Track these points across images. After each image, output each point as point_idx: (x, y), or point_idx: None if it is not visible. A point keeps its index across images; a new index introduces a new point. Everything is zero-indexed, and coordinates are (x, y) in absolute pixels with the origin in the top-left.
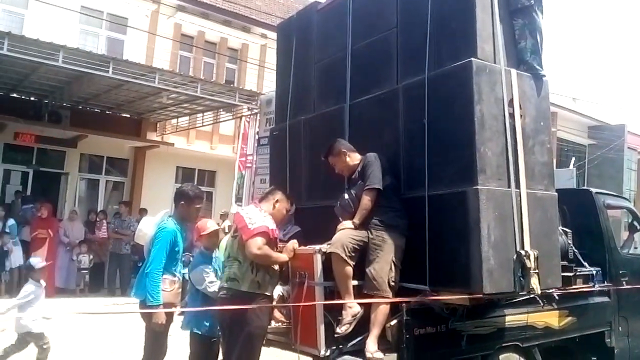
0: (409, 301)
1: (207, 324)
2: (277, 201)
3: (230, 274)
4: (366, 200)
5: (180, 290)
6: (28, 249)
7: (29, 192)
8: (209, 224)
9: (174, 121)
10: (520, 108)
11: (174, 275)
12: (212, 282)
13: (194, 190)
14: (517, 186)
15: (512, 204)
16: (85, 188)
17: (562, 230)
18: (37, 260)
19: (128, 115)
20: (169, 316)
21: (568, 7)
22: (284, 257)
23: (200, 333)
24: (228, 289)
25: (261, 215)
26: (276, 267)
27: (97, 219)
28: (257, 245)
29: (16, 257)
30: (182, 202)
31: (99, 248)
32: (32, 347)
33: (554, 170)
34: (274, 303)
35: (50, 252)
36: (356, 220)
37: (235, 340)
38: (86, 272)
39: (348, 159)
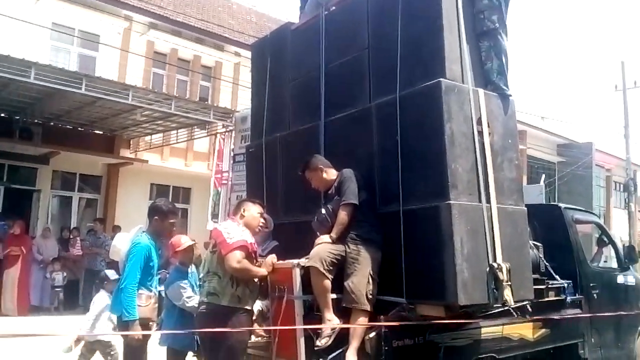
0: (431, 323)
1: (184, 339)
2: (243, 210)
3: (210, 288)
4: (343, 215)
5: (156, 305)
6: (0, 266)
7: (0, 210)
8: (183, 240)
9: (147, 138)
10: (489, 126)
11: (150, 290)
12: (189, 297)
13: (167, 205)
14: (488, 201)
15: (484, 218)
16: (57, 205)
17: (533, 244)
18: (112, 273)
19: (101, 132)
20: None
21: (534, 27)
22: (263, 271)
23: (176, 349)
24: (208, 303)
25: (239, 230)
26: (256, 281)
27: (71, 236)
28: (236, 259)
29: None
30: (156, 217)
31: (73, 265)
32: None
33: (522, 186)
34: (254, 317)
35: (24, 270)
36: (333, 234)
37: (216, 355)
38: (60, 290)
39: (325, 174)
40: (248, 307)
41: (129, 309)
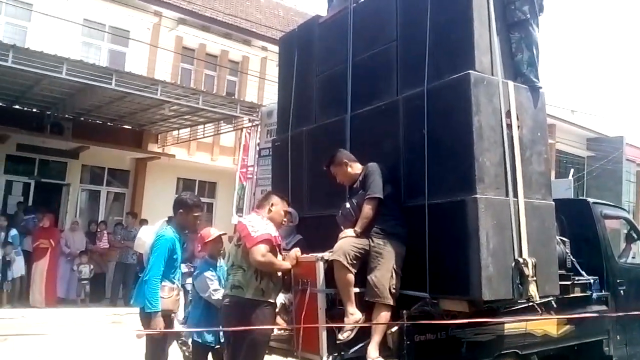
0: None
1: (209, 333)
2: (272, 205)
3: (234, 281)
4: (367, 209)
5: (179, 297)
6: (30, 258)
7: (30, 203)
8: (212, 231)
9: (175, 133)
10: (518, 119)
11: (173, 283)
12: (216, 290)
13: (192, 198)
14: (515, 195)
15: (510, 212)
16: (86, 199)
17: (560, 239)
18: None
19: (129, 127)
20: (168, 324)
21: (566, 20)
22: (286, 264)
23: (201, 342)
24: (232, 296)
25: (263, 223)
26: (279, 274)
27: (98, 230)
28: (261, 253)
29: (18, 267)
30: (181, 210)
31: (99, 258)
32: None
33: (550, 180)
34: (277, 310)
35: (52, 262)
36: (357, 228)
37: (240, 347)
38: (87, 283)
39: (349, 169)
40: (272, 300)
41: (152, 300)
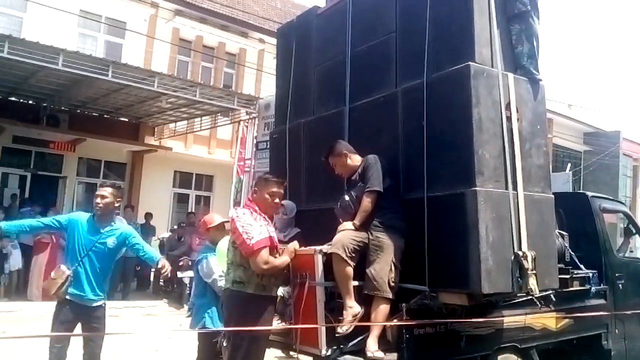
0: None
1: (216, 320)
2: (255, 190)
3: (235, 277)
4: (366, 202)
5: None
6: (28, 252)
7: (27, 196)
8: (215, 217)
9: (171, 125)
10: (517, 111)
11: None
12: (221, 276)
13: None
14: (515, 188)
15: (510, 205)
16: (83, 192)
17: (559, 232)
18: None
19: (126, 120)
20: None
21: (564, 15)
22: (286, 259)
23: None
24: (233, 290)
25: (257, 225)
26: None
27: None
28: (263, 261)
29: (15, 260)
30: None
31: None
32: None
33: (550, 174)
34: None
35: (52, 257)
36: (356, 221)
37: (241, 341)
38: None
39: (349, 160)
40: (273, 294)
41: None
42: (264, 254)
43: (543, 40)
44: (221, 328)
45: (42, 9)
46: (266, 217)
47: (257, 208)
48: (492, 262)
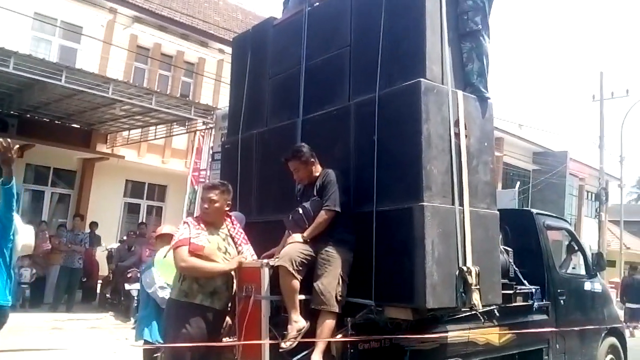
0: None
1: (155, 333)
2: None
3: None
4: (322, 220)
5: None
6: None
7: None
8: (165, 227)
9: (125, 133)
10: (466, 128)
11: None
12: (162, 288)
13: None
14: (461, 204)
15: (456, 221)
16: (29, 199)
17: (504, 248)
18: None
19: (78, 126)
20: None
21: (516, 33)
22: (219, 266)
23: (151, 341)
24: (168, 298)
25: (182, 228)
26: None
27: (39, 231)
28: (180, 259)
29: None
30: None
31: (42, 261)
32: None
33: (496, 190)
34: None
35: None
36: (306, 235)
37: (164, 348)
38: (27, 287)
39: (314, 168)
40: (196, 302)
41: None
42: (180, 252)
43: (495, 60)
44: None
45: None
46: (208, 224)
47: (199, 216)
48: (437, 277)
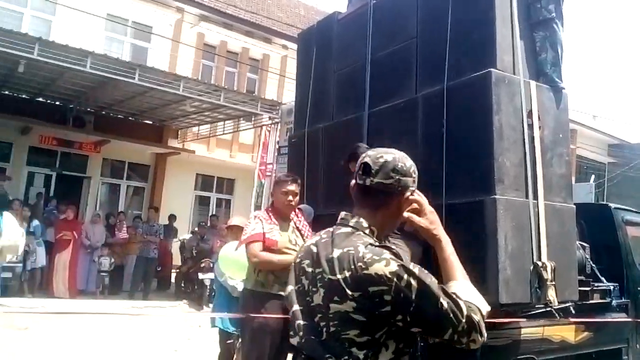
0: None
1: (226, 321)
2: (271, 192)
3: (245, 274)
4: None
5: None
6: (51, 249)
7: (51, 195)
8: (234, 219)
9: (195, 129)
10: (539, 119)
11: None
12: (232, 278)
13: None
14: (535, 197)
15: (530, 214)
16: (106, 192)
17: (580, 244)
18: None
19: (150, 122)
20: None
21: (591, 26)
22: (290, 258)
23: (222, 328)
24: (243, 288)
25: (253, 223)
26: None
27: (117, 221)
28: (252, 254)
29: (40, 258)
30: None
31: (120, 250)
32: None
33: (571, 183)
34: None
35: (74, 254)
36: None
37: (245, 336)
38: (106, 275)
39: None
40: (273, 292)
41: None
42: (252, 247)
43: (569, 49)
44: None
45: (71, 12)
46: (280, 217)
47: (270, 210)
48: (510, 271)
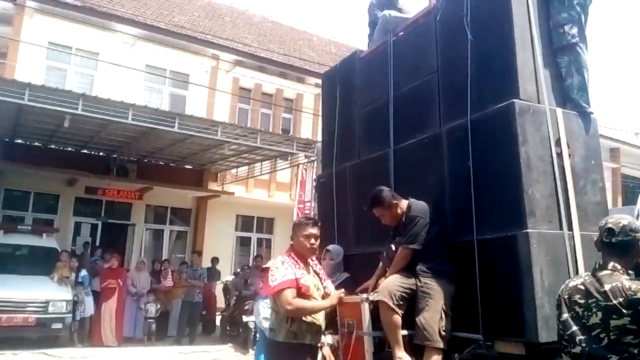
0: None
1: None
2: (291, 236)
3: (270, 324)
4: (399, 258)
5: None
6: (98, 298)
7: (97, 243)
8: (269, 263)
9: (233, 171)
10: (569, 147)
11: None
12: (266, 318)
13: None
14: (570, 228)
15: (566, 247)
16: (150, 238)
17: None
18: None
19: (190, 167)
20: None
21: (623, 42)
22: (322, 304)
23: None
24: (269, 339)
25: (282, 269)
26: (318, 315)
27: (162, 268)
28: (287, 302)
29: (88, 307)
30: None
31: (164, 297)
32: None
33: (608, 210)
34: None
35: (119, 302)
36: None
37: None
38: (152, 321)
39: (399, 210)
40: (307, 342)
41: None
42: (286, 294)
43: (606, 66)
44: None
45: (111, 66)
46: (303, 261)
47: (292, 254)
48: (549, 308)
